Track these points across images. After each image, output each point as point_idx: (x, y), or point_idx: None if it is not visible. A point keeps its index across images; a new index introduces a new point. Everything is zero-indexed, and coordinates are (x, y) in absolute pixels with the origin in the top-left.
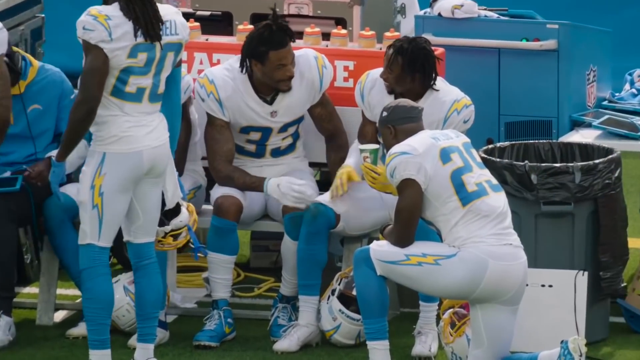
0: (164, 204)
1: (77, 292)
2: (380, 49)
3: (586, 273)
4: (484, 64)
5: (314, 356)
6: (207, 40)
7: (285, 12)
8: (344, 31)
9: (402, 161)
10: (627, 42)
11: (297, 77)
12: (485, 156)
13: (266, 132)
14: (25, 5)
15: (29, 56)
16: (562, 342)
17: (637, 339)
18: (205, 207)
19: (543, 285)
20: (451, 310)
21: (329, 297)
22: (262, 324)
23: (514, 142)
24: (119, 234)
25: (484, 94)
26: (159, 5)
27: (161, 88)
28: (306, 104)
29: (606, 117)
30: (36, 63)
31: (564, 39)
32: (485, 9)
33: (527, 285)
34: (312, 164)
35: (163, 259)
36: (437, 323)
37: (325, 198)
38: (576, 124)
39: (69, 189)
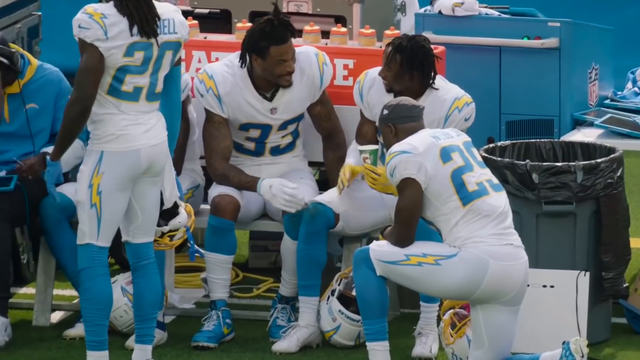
0: (162, 203)
1: (74, 292)
2: (380, 47)
3: (588, 273)
4: (484, 63)
5: (313, 357)
6: (205, 38)
7: (285, 10)
8: (343, 29)
9: (402, 160)
10: (629, 40)
11: (298, 74)
12: (486, 155)
13: (265, 129)
14: (22, 4)
15: (28, 55)
16: (563, 343)
17: (639, 340)
18: (203, 206)
19: (544, 286)
20: (452, 310)
21: (328, 297)
22: (261, 324)
23: (515, 141)
24: (117, 234)
25: (484, 93)
26: (158, 3)
27: (159, 87)
28: (306, 102)
29: (608, 115)
30: (35, 62)
31: (565, 37)
32: (486, 7)
33: (528, 285)
34: (311, 164)
35: (161, 259)
36: (438, 324)
37: (324, 198)
38: (578, 123)
39: (66, 189)
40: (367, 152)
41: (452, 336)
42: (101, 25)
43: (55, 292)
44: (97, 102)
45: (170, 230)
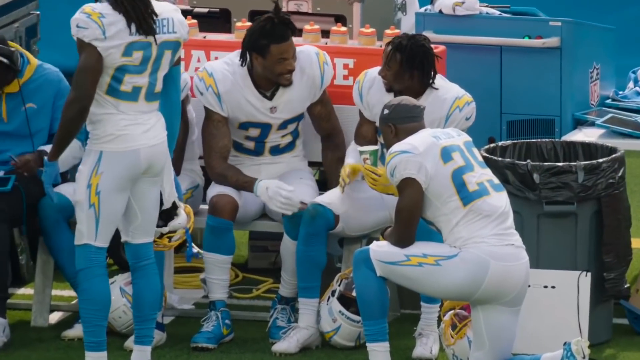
0: (162, 204)
1: (72, 293)
2: (381, 46)
3: (589, 274)
4: (485, 62)
5: (313, 358)
6: (204, 37)
7: (285, 9)
8: (343, 28)
9: (403, 160)
10: (630, 39)
11: (298, 73)
12: (487, 155)
13: (265, 128)
14: (20, 3)
15: (27, 54)
16: (564, 343)
17: None
18: (202, 207)
19: (545, 286)
20: (452, 311)
21: (328, 298)
22: (261, 325)
23: (516, 141)
24: (116, 235)
25: (485, 92)
26: (157, 2)
27: (158, 87)
28: (306, 101)
29: (610, 115)
30: (34, 61)
31: (566, 36)
32: (486, 6)
33: (529, 286)
34: (311, 164)
35: (160, 259)
36: (438, 325)
37: (324, 199)
38: (579, 123)
39: (65, 189)
40: (367, 153)
41: (452, 337)
42: (99, 24)
43: (54, 292)
44: (96, 102)
45: (170, 232)
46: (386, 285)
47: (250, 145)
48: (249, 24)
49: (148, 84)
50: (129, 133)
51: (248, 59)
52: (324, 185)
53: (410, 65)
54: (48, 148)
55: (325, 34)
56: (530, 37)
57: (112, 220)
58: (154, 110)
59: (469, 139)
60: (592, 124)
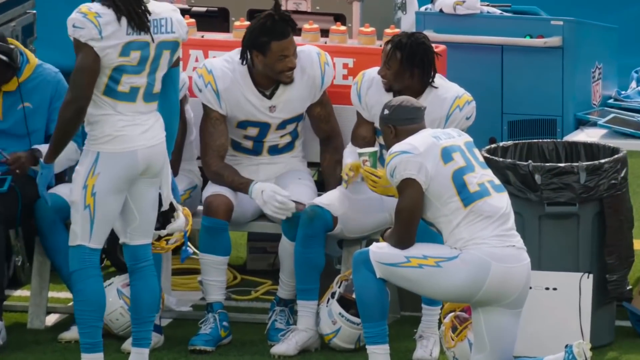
0: (161, 204)
1: (69, 295)
2: (381, 45)
3: (591, 276)
4: (486, 62)
5: None
6: (202, 37)
7: (284, 8)
8: (343, 28)
9: (403, 160)
10: (633, 39)
11: (298, 73)
12: (488, 156)
13: (264, 127)
14: (17, 2)
15: (28, 53)
16: (566, 346)
17: None
18: (200, 207)
19: (547, 288)
20: (453, 313)
21: (328, 300)
22: (259, 327)
23: (517, 142)
24: (113, 236)
25: (486, 92)
26: (155, 2)
27: (157, 87)
28: (306, 101)
29: (612, 115)
30: (34, 61)
31: (568, 35)
32: (487, 5)
33: (530, 288)
34: (311, 165)
35: (158, 261)
36: (439, 327)
37: (322, 200)
38: (581, 123)
39: (61, 190)
40: (366, 155)
41: (453, 339)
42: (95, 24)
43: (51, 294)
44: (94, 102)
45: (168, 234)
46: (386, 287)
47: (249, 144)
48: (248, 23)
49: (146, 85)
50: (126, 134)
51: (248, 57)
52: (323, 186)
53: (411, 63)
54: (41, 147)
55: (325, 33)
56: (531, 37)
57: (107, 221)
58: (152, 111)
59: (470, 139)
60: (594, 124)
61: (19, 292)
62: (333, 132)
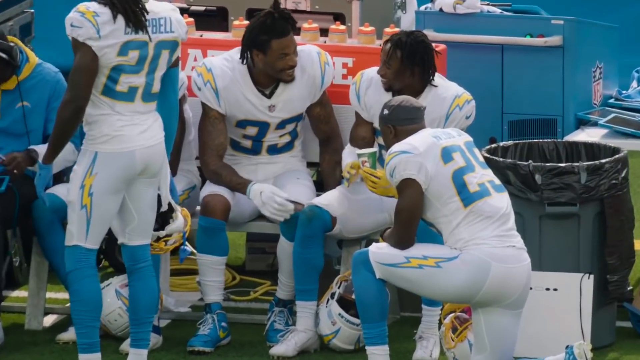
0: (160, 205)
1: (67, 295)
2: (380, 45)
3: (592, 276)
4: (486, 61)
5: None
6: (201, 36)
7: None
8: (342, 27)
9: (402, 160)
10: (634, 38)
11: (299, 72)
12: (488, 156)
13: (263, 127)
14: (14, 1)
15: (28, 52)
16: (567, 347)
17: None
18: (199, 208)
19: (547, 289)
20: (453, 314)
21: (328, 300)
22: (258, 328)
23: (517, 141)
24: (112, 237)
25: (486, 92)
26: (155, 2)
27: (155, 87)
28: (306, 101)
29: (613, 115)
30: (34, 60)
31: (569, 35)
32: (488, 4)
33: (531, 288)
34: (310, 165)
35: (156, 262)
36: (439, 327)
37: (321, 200)
38: (582, 123)
39: (59, 190)
40: (365, 156)
41: (453, 340)
42: (93, 23)
43: (48, 295)
44: (92, 102)
45: (166, 235)
46: (386, 288)
47: (248, 144)
48: (246, 22)
49: (145, 84)
50: (125, 134)
51: (248, 57)
52: (322, 186)
53: (412, 61)
54: (38, 147)
55: (324, 32)
56: (532, 36)
57: (104, 222)
58: (151, 111)
59: (470, 139)
60: (595, 124)
61: (16, 293)
62: (332, 133)
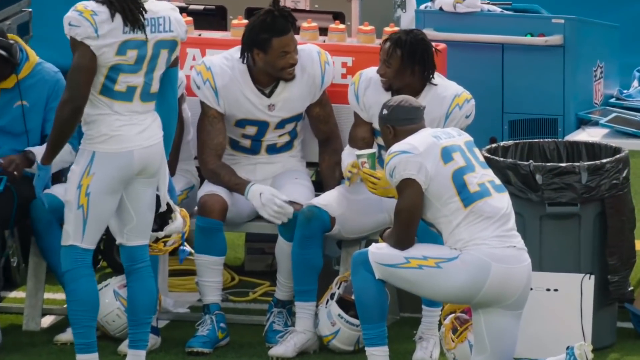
0: (159, 205)
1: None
2: (380, 44)
3: (593, 277)
4: (487, 60)
5: None
6: (200, 35)
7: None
8: (342, 26)
9: (402, 160)
10: (635, 37)
11: (299, 72)
12: (489, 155)
13: (262, 126)
14: (12, 0)
15: (28, 50)
16: (567, 348)
17: None
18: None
19: (548, 290)
20: (453, 315)
21: (327, 301)
22: (257, 329)
23: (518, 141)
24: (110, 237)
25: (487, 91)
26: (154, 1)
27: (154, 87)
28: (306, 100)
29: (614, 115)
30: (34, 59)
31: (570, 34)
32: (488, 3)
33: (531, 289)
34: (310, 164)
35: (155, 262)
36: (439, 328)
37: (320, 201)
38: (583, 122)
39: (57, 190)
40: (365, 156)
41: (453, 341)
42: (91, 22)
43: (46, 296)
44: (90, 102)
45: (165, 236)
46: (385, 288)
47: (247, 143)
48: (245, 21)
49: (143, 84)
50: (123, 134)
51: (249, 56)
52: (321, 186)
53: (412, 60)
54: (35, 149)
55: (323, 31)
56: (532, 35)
57: (101, 222)
58: (149, 111)
59: (470, 138)
60: (596, 124)
61: (14, 294)
62: (332, 133)
